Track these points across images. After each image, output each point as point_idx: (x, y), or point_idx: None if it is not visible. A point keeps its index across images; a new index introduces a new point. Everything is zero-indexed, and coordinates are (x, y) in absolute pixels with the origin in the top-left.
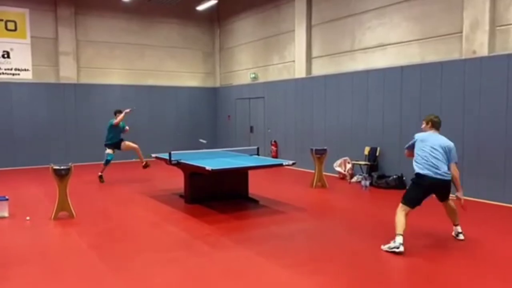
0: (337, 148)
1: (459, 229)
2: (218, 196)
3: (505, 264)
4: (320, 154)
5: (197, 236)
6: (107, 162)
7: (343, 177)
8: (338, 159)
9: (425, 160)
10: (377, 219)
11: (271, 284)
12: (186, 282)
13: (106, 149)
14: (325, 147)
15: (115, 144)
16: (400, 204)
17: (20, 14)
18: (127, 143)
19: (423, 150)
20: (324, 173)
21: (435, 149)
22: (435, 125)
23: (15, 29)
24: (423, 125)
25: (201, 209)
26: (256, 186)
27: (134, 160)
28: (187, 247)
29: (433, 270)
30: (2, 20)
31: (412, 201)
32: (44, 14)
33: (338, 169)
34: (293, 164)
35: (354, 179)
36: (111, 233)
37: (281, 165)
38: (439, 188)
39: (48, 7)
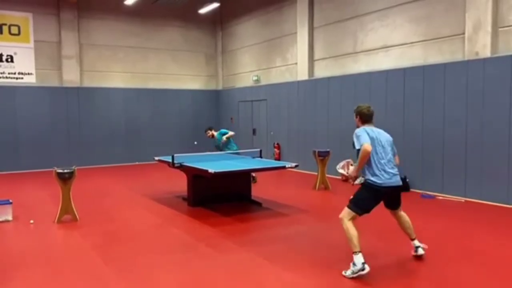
0: (340, 150)
1: (417, 243)
2: (221, 198)
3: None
4: (323, 156)
5: (200, 239)
6: None
7: (346, 179)
8: (341, 161)
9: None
10: (380, 220)
11: (274, 287)
12: (189, 284)
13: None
14: (328, 149)
15: None
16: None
17: (24, 18)
18: None
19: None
20: (327, 175)
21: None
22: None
23: (19, 33)
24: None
25: (204, 211)
26: (259, 189)
27: (137, 163)
28: (190, 249)
29: (434, 269)
30: (5, 24)
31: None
32: (47, 18)
33: (341, 171)
34: (296, 166)
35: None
36: (115, 235)
37: (284, 167)
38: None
39: (51, 11)
